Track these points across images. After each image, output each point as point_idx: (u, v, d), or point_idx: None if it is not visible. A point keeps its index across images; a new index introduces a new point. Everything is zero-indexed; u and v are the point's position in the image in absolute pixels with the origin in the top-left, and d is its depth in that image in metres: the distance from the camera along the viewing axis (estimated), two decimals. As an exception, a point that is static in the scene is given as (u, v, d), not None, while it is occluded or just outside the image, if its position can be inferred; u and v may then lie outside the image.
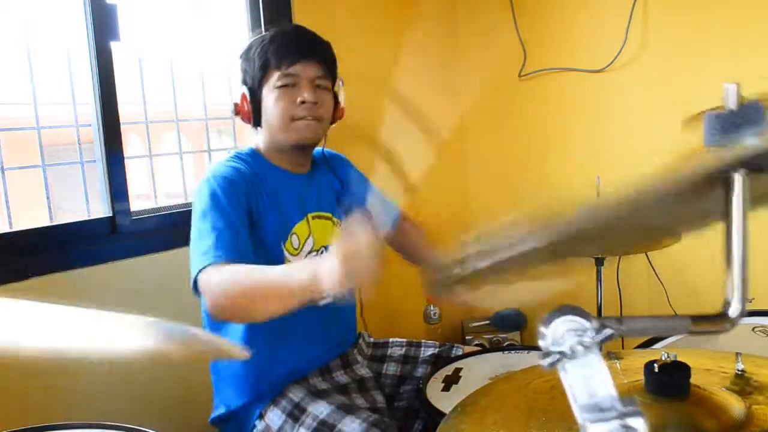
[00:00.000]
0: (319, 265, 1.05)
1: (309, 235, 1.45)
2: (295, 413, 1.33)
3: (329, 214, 1.52)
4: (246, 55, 1.41)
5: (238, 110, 1.41)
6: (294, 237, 1.42)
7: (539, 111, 2.49)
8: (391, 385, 1.55)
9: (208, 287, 1.20)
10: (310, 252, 1.45)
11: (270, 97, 1.37)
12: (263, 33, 1.44)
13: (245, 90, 1.39)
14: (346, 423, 1.26)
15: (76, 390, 1.49)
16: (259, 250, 1.34)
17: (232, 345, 0.64)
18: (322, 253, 1.48)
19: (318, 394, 1.36)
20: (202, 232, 1.26)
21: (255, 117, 1.40)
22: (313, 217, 1.47)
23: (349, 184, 1.59)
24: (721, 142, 0.53)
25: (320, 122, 1.41)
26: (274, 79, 1.36)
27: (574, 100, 2.39)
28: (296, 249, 1.42)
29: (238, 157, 1.41)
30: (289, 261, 1.40)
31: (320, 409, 1.30)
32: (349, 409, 1.30)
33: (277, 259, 1.38)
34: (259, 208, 1.35)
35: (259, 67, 1.37)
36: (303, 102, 1.35)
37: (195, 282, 1.22)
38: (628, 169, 2.22)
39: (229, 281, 1.19)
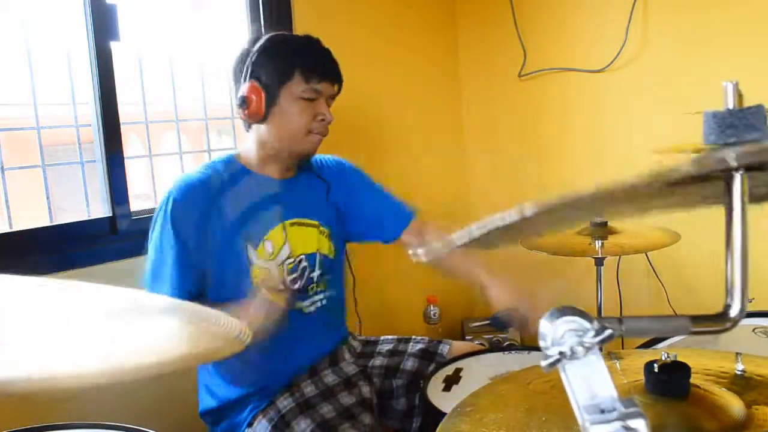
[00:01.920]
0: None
1: (285, 242, 1.44)
2: (280, 426, 1.35)
3: (314, 222, 1.51)
4: (266, 52, 1.39)
5: (248, 103, 1.39)
6: (267, 243, 1.42)
7: (539, 111, 2.49)
8: (379, 375, 1.55)
9: None
10: (287, 259, 1.44)
11: (293, 106, 1.38)
12: (278, 32, 1.44)
13: (258, 85, 1.38)
14: None
15: (75, 390, 1.49)
16: (226, 255, 1.37)
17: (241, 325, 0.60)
18: (299, 261, 1.47)
19: (305, 405, 1.38)
20: (158, 257, 1.34)
21: (264, 115, 1.39)
22: (291, 224, 1.46)
23: (338, 185, 1.57)
24: (719, 141, 0.53)
25: (324, 137, 1.45)
26: (299, 89, 1.38)
27: (574, 100, 2.39)
28: (270, 255, 1.42)
29: (210, 166, 1.43)
30: (259, 266, 1.40)
31: (303, 427, 1.34)
32: (328, 429, 1.33)
33: (242, 265, 1.39)
34: (222, 217, 1.36)
35: (283, 71, 1.38)
36: (323, 120, 1.40)
37: None
38: (628, 169, 2.22)
39: None
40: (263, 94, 1.37)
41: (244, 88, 1.38)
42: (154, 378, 0.45)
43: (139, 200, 1.79)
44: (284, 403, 1.38)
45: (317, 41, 1.44)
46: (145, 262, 1.37)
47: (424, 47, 2.54)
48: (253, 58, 1.38)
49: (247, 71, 1.38)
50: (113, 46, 1.63)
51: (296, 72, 1.38)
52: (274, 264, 1.42)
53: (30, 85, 1.54)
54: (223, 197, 1.36)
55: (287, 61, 1.38)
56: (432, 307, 2.47)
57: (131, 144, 1.77)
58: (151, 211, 1.76)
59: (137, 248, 1.67)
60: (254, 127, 1.43)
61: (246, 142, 1.47)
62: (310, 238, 1.49)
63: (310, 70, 1.38)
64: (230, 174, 1.41)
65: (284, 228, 1.44)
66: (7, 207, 1.51)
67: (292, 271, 1.45)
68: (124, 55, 1.68)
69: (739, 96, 0.53)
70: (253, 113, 1.39)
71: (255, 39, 1.42)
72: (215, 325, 0.58)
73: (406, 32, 2.45)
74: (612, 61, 2.25)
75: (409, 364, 1.55)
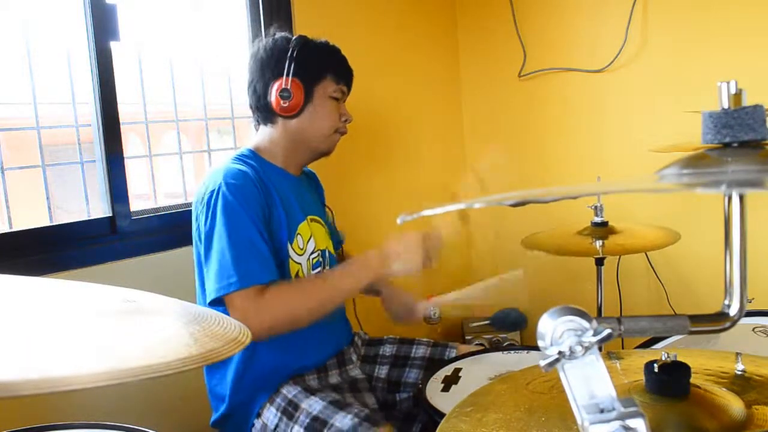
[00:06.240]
0: (371, 259, 1.37)
1: (310, 236, 1.48)
2: (289, 410, 1.34)
3: (321, 219, 1.56)
4: (303, 52, 1.44)
5: (290, 96, 1.42)
6: (299, 237, 1.44)
7: (539, 111, 2.49)
8: (383, 390, 1.56)
9: (264, 309, 1.27)
10: (312, 253, 1.47)
11: (324, 104, 1.46)
12: (301, 35, 1.48)
13: (298, 80, 1.43)
14: (338, 419, 1.28)
15: (76, 390, 1.49)
16: (275, 246, 1.38)
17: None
18: (323, 254, 1.50)
19: (311, 391, 1.37)
20: (234, 247, 1.28)
21: (300, 110, 1.44)
22: (311, 219, 1.50)
23: (320, 189, 1.70)
24: (716, 141, 0.53)
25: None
26: (331, 89, 1.47)
27: (574, 100, 2.39)
28: (302, 249, 1.44)
29: (241, 159, 1.42)
30: (295, 261, 1.42)
31: (313, 405, 1.33)
32: (341, 405, 1.32)
33: (284, 259, 1.40)
34: (271, 209, 1.38)
35: (319, 71, 1.45)
36: (346, 120, 1.50)
37: (218, 296, 1.26)
38: (628, 169, 2.22)
39: (295, 304, 1.32)
40: (302, 90, 1.43)
41: (286, 81, 1.42)
42: (158, 379, 0.44)
43: (139, 200, 1.79)
44: (290, 389, 1.38)
45: (338, 48, 1.52)
46: (207, 257, 1.31)
47: (424, 47, 2.54)
48: (294, 55, 1.43)
49: (289, 67, 1.42)
50: (113, 46, 1.63)
51: (329, 72, 1.46)
52: (304, 258, 1.45)
53: (30, 85, 1.54)
54: (266, 189, 1.38)
55: (322, 61, 1.47)
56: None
57: (131, 144, 1.77)
58: (152, 210, 1.78)
59: (137, 248, 1.68)
60: (281, 121, 1.47)
61: (264, 139, 1.50)
62: (323, 235, 1.55)
63: (339, 73, 1.49)
64: (262, 168, 1.42)
65: (308, 222, 1.49)
66: (7, 207, 1.51)
67: (315, 266, 1.48)
68: (124, 55, 1.67)
69: (736, 96, 0.53)
70: (292, 107, 1.44)
71: (285, 38, 1.46)
72: (215, 326, 0.58)
73: (406, 32, 2.45)
74: (612, 61, 2.25)
75: (413, 375, 1.55)
